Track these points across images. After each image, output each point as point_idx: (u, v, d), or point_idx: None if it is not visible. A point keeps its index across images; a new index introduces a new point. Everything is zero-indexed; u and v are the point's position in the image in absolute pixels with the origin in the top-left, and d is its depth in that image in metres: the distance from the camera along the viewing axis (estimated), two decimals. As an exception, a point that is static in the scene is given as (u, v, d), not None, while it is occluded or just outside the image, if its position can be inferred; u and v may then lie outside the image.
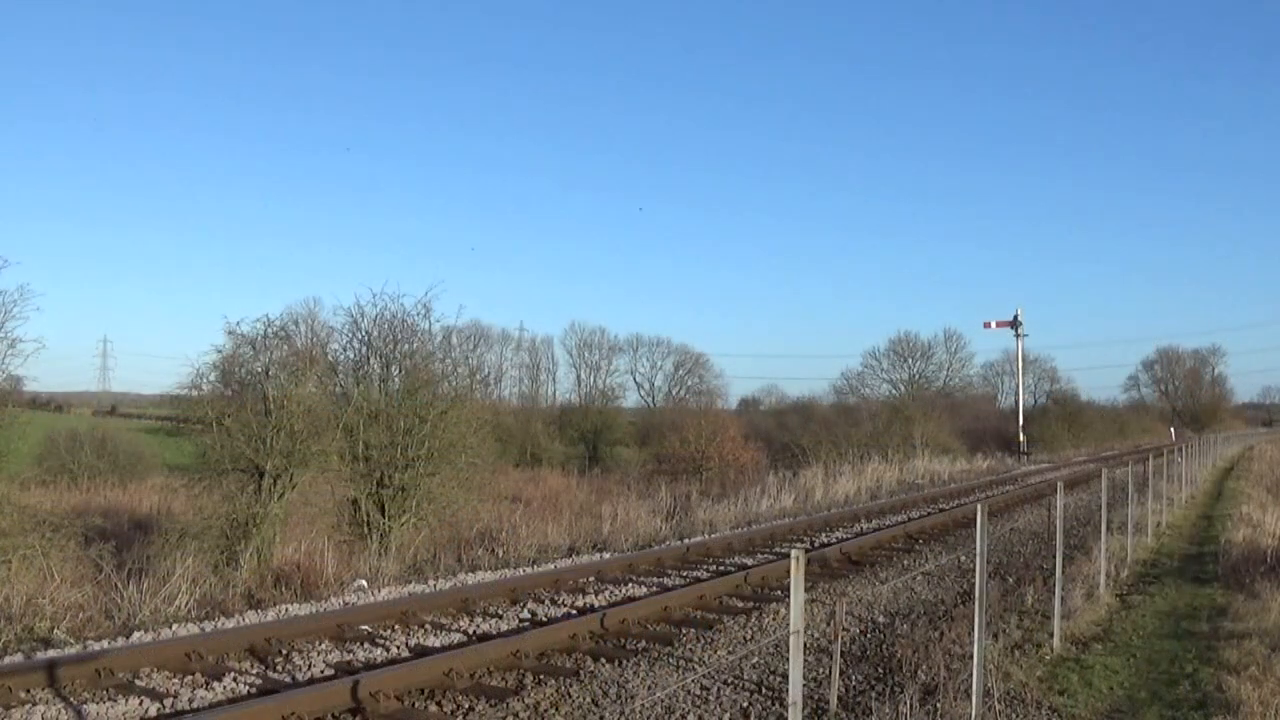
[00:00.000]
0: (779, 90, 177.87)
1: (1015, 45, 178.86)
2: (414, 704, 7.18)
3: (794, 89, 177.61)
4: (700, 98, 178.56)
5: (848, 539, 16.53)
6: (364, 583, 12.37)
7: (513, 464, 43.45)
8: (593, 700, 7.25)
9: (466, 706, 7.11)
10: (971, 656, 7.07)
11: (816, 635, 9.21)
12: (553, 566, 13.77)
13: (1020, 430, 59.65)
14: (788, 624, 6.28)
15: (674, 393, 71.92)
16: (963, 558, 14.24)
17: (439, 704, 7.22)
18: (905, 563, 14.40)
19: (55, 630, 9.30)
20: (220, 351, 14.56)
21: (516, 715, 6.92)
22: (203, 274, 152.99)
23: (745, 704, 7.18)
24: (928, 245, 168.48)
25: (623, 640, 9.22)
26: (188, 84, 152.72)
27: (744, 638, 9.42)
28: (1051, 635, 9.18)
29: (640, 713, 6.99)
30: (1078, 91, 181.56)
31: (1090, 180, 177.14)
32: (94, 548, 12.72)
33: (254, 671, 8.06)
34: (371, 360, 16.72)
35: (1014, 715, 6.92)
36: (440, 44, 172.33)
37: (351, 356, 16.93)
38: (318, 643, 9.04)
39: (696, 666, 8.32)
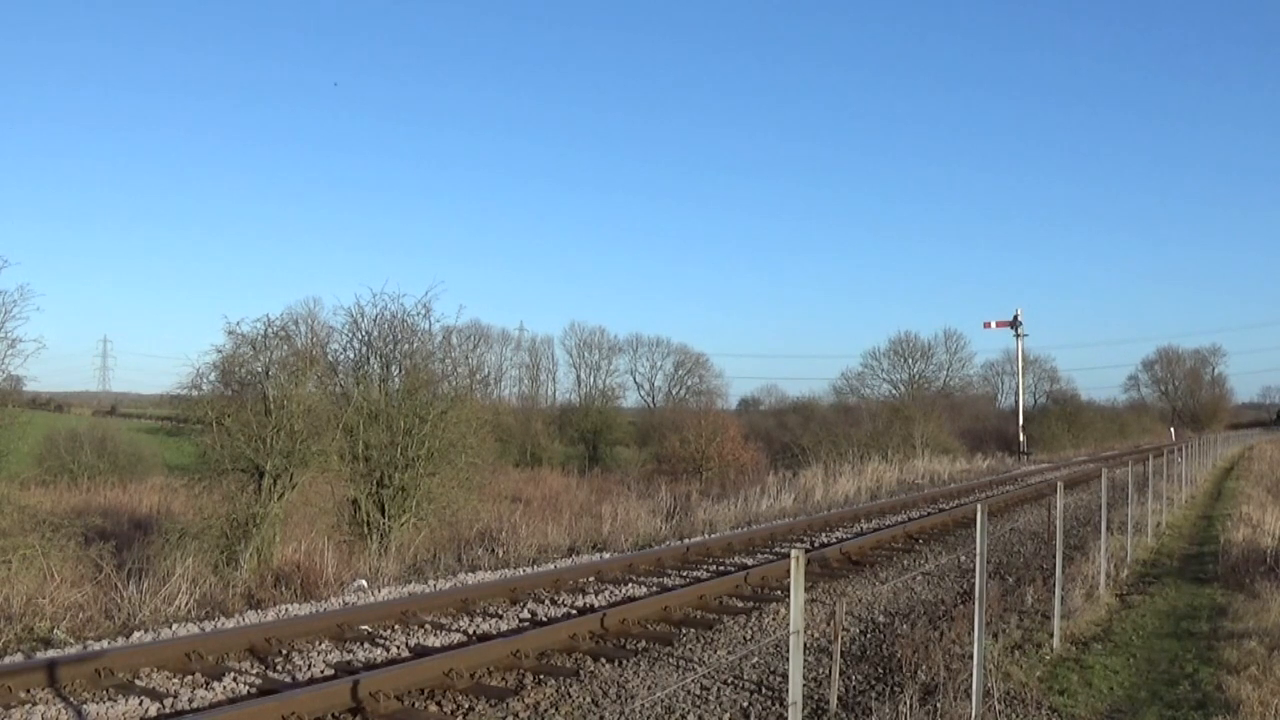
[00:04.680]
0: (779, 90, 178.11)
1: (1015, 45, 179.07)
2: (414, 704, 7.18)
3: (793, 89, 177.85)
4: (701, 97, 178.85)
5: (848, 539, 16.52)
6: (364, 583, 12.37)
7: (513, 464, 43.47)
8: (593, 700, 7.25)
9: (466, 706, 7.11)
10: (971, 656, 7.07)
11: (816, 635, 9.21)
12: (553, 566, 13.77)
13: (1020, 430, 59.69)
14: (788, 624, 6.28)
15: (674, 393, 72.01)
16: (963, 558, 14.24)
17: (439, 704, 7.22)
18: (905, 563, 14.40)
19: (55, 630, 9.31)
20: (220, 351, 14.56)
21: (516, 715, 6.92)
22: (203, 274, 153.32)
23: (745, 704, 7.18)
24: (928, 245, 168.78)
25: (623, 640, 9.22)
26: (188, 84, 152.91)
27: (744, 638, 9.42)
28: (1051, 635, 9.17)
29: (640, 713, 6.99)
30: (1078, 91, 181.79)
31: (1090, 180, 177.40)
32: (94, 548, 12.71)
33: (254, 671, 8.06)
34: (371, 360, 16.73)
35: (1014, 715, 6.92)
36: (440, 44, 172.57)
37: (351, 356, 16.95)
38: (318, 643, 9.04)
39: (696, 666, 8.32)
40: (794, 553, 5.18)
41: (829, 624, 8.44)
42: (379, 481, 15.58)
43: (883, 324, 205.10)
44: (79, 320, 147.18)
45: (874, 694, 7.47)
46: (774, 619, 10.19)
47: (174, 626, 9.65)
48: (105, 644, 8.83)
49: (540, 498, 26.94)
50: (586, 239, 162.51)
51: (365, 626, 9.61)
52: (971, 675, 6.91)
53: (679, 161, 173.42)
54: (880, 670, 8.21)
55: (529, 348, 76.49)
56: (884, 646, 9.08)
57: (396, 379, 16.68)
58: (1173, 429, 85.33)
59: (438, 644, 9.08)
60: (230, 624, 9.76)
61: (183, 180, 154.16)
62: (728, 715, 6.94)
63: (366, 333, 16.71)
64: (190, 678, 7.80)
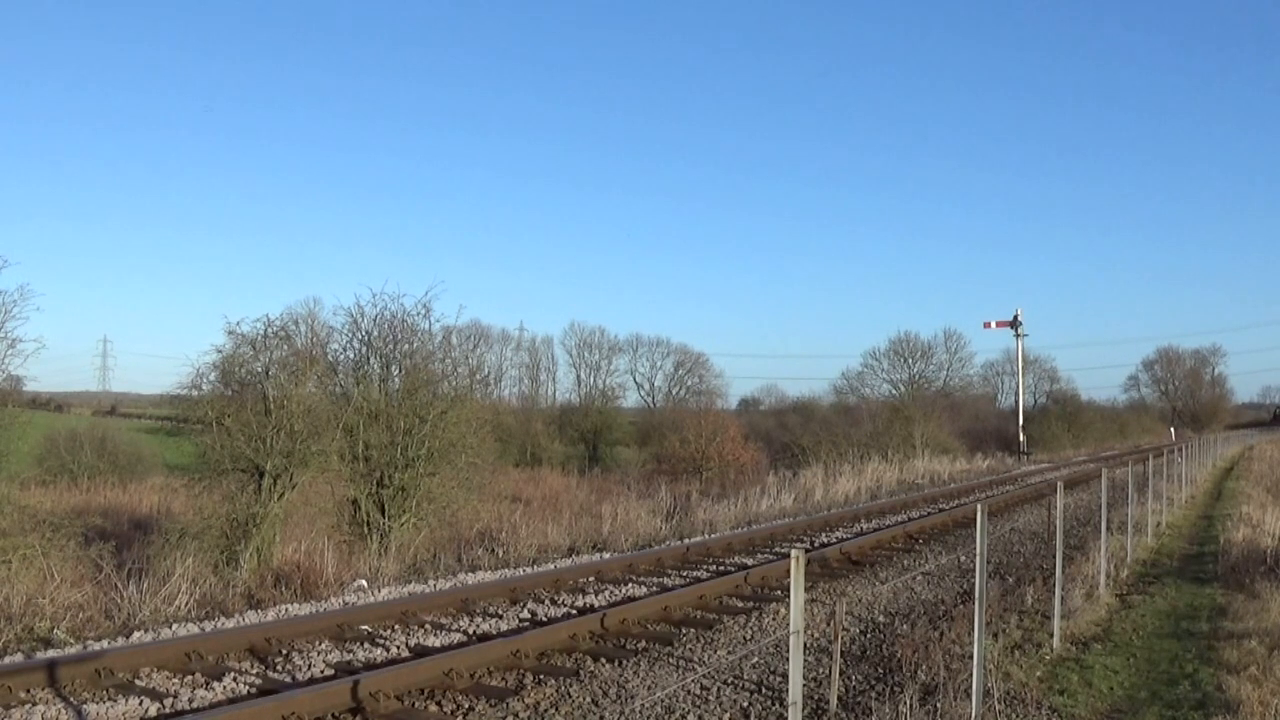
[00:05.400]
0: (779, 89, 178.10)
1: (1015, 45, 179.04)
2: (414, 704, 7.18)
3: (793, 88, 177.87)
4: (700, 97, 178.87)
5: (848, 539, 16.52)
6: (364, 583, 12.37)
7: (513, 464, 43.46)
8: (593, 700, 7.25)
9: (466, 706, 7.11)
10: (971, 656, 7.07)
11: (816, 635, 9.21)
12: (553, 566, 13.77)
13: (1020, 430, 59.67)
14: (788, 624, 6.28)
15: (674, 393, 72.00)
16: (963, 558, 14.24)
17: (439, 704, 7.22)
18: (905, 563, 14.40)
19: (55, 630, 9.31)
20: (220, 351, 14.55)
21: (516, 715, 6.92)
22: (203, 274, 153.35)
23: (745, 704, 7.18)
24: (928, 245, 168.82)
25: (623, 640, 9.22)
26: (188, 84, 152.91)
27: (744, 638, 9.42)
28: (1051, 635, 9.18)
29: (640, 713, 6.99)
30: (1078, 91, 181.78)
31: (1090, 180, 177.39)
32: (94, 548, 12.71)
33: (254, 671, 8.06)
34: (371, 360, 16.72)
35: (1014, 715, 6.92)
36: (440, 43, 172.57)
37: (351, 356, 16.93)
38: (318, 643, 9.04)
39: (696, 666, 8.32)
40: (794, 552, 5.18)
41: (829, 624, 8.44)
42: (379, 481, 15.58)
43: (883, 324, 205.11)
44: (79, 320, 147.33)
45: (874, 694, 7.47)
46: (774, 619, 10.19)
47: (174, 626, 9.65)
48: (105, 644, 8.83)
49: (540, 498, 26.93)
50: (586, 239, 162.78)
51: (365, 626, 9.61)
52: (971, 675, 6.91)
53: (679, 161, 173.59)
54: (880, 670, 8.21)
55: (529, 348, 76.63)
56: (884, 646, 9.08)
57: (396, 379, 16.67)
58: (1173, 429, 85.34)
59: (438, 644, 9.08)
60: (230, 624, 9.76)
61: (183, 180, 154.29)
62: (728, 715, 6.94)
63: (366, 333, 16.71)
64: (190, 678, 7.80)
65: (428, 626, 9.81)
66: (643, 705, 7.12)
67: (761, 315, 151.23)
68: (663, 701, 7.18)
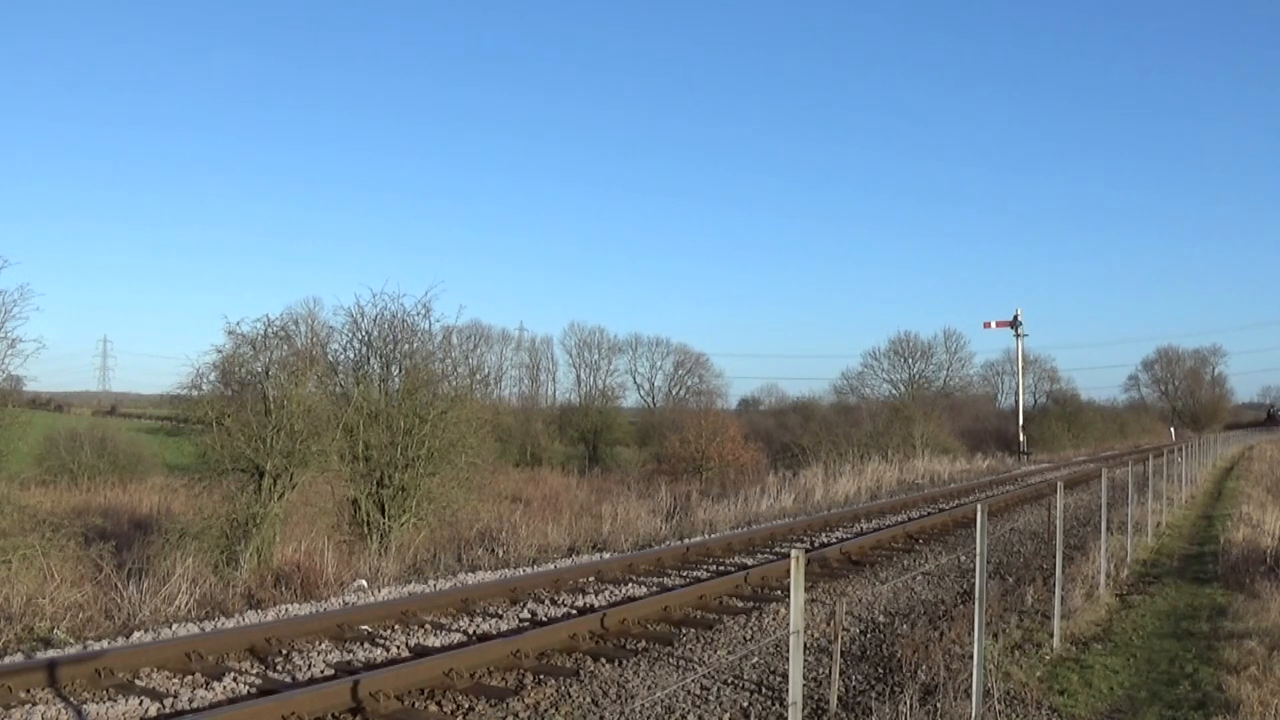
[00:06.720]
0: (778, 89, 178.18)
1: (1015, 45, 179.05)
2: (414, 704, 7.18)
3: (793, 88, 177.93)
4: (700, 97, 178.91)
5: (848, 539, 16.52)
6: (364, 583, 12.37)
7: (513, 464, 43.48)
8: (593, 700, 7.25)
9: (466, 706, 7.11)
10: (971, 656, 7.07)
11: (816, 635, 9.21)
12: (553, 566, 13.77)
13: (1020, 430, 59.66)
14: (788, 624, 6.28)
15: (674, 393, 72.02)
16: (963, 558, 14.24)
17: (439, 704, 7.22)
18: (905, 563, 14.39)
19: (55, 630, 9.31)
20: (220, 351, 14.54)
21: (516, 715, 6.92)
22: (203, 274, 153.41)
23: (745, 704, 7.18)
24: (928, 245, 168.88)
25: (623, 640, 9.22)
26: (188, 84, 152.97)
27: (744, 638, 9.42)
28: (1051, 635, 9.18)
29: (640, 713, 6.99)
30: (1078, 91, 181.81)
31: (1090, 180, 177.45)
32: (94, 548, 12.71)
33: (254, 671, 8.06)
34: (371, 360, 16.72)
35: (1014, 715, 6.92)
36: (440, 43, 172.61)
37: (351, 356, 16.94)
38: (318, 643, 9.04)
39: (696, 666, 8.32)
40: (794, 552, 5.18)
41: (829, 624, 8.45)
42: (379, 481, 15.57)
43: (883, 324, 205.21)
44: (79, 320, 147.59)
45: (874, 694, 7.47)
46: (774, 619, 10.19)
47: (174, 626, 9.65)
48: (105, 644, 8.83)
49: (540, 498, 26.93)
50: (586, 239, 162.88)
51: (365, 626, 9.61)
52: (971, 675, 6.91)
53: (679, 161, 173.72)
54: (880, 670, 8.21)
55: (529, 348, 76.64)
56: (884, 646, 9.08)
57: (396, 379, 16.67)
58: (1173, 429, 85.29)
59: (438, 644, 9.08)
60: (230, 624, 9.76)
61: (183, 180, 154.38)
62: (728, 715, 6.94)
63: (366, 333, 16.71)
64: (190, 678, 7.80)
65: (428, 626, 9.81)
66: (643, 705, 7.12)
67: (761, 315, 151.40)
68: (663, 701, 7.18)
